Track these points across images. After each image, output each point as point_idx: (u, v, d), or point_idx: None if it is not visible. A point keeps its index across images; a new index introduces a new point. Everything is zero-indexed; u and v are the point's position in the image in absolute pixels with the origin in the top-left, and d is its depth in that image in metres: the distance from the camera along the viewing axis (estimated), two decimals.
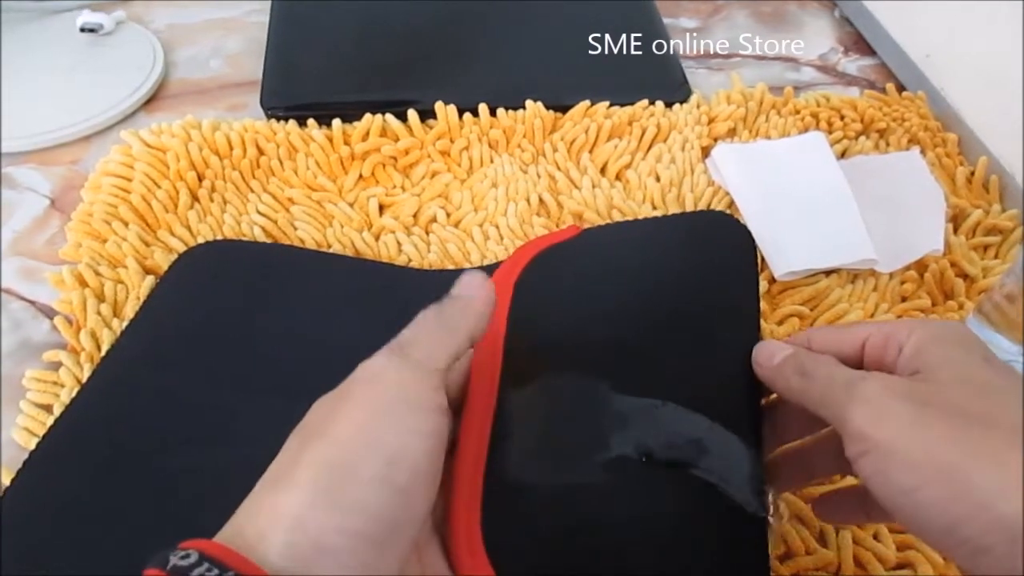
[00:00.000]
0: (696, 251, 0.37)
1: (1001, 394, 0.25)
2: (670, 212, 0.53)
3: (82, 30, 0.66)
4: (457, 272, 0.49)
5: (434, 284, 0.46)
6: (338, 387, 0.25)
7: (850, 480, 0.36)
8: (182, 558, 0.21)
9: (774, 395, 0.34)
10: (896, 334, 0.29)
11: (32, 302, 0.48)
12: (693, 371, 0.33)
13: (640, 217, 0.52)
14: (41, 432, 0.40)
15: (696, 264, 0.37)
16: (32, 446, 0.39)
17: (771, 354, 0.31)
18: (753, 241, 0.38)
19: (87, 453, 0.39)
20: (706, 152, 0.58)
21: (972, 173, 0.57)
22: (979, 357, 0.27)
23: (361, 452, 0.23)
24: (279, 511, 0.22)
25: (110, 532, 0.36)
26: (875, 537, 0.38)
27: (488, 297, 0.29)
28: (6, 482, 0.38)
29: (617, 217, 0.52)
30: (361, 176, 0.55)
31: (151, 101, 0.63)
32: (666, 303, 0.35)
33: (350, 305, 0.46)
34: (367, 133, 0.57)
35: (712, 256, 0.37)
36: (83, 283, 0.47)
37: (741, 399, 0.32)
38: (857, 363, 0.30)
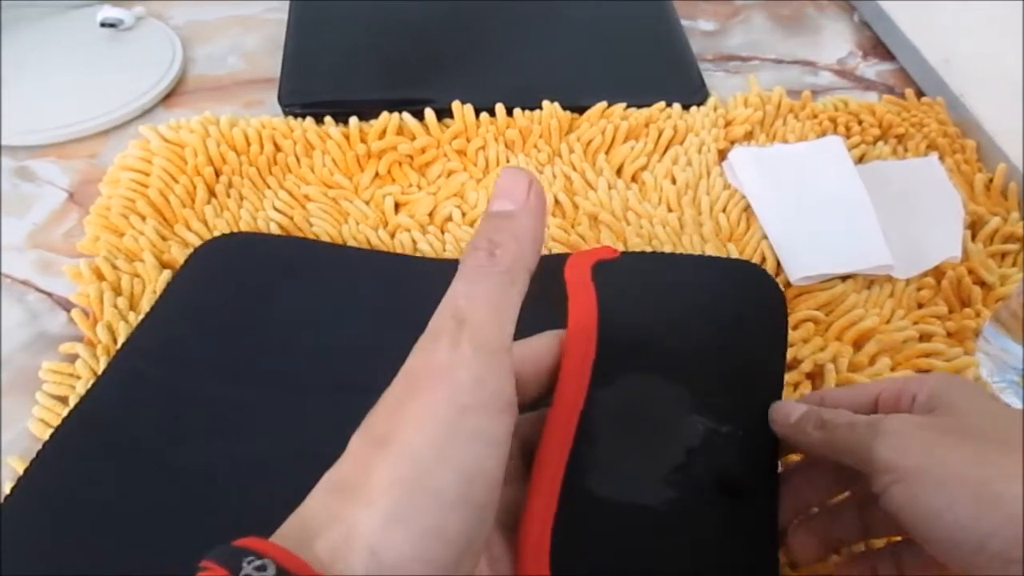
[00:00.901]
0: (733, 302, 0.38)
1: (1011, 421, 0.27)
2: (685, 215, 0.53)
3: (102, 25, 0.66)
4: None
5: (453, 274, 0.45)
6: (401, 377, 0.23)
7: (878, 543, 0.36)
8: (257, 568, 0.19)
9: (790, 458, 0.35)
10: (909, 386, 0.31)
11: (49, 294, 0.49)
12: (734, 410, 0.33)
13: (656, 219, 0.52)
14: (56, 423, 0.40)
15: (731, 315, 0.37)
16: (47, 437, 0.39)
17: (787, 413, 0.32)
18: (785, 300, 0.38)
19: (100, 446, 0.39)
20: (723, 155, 0.57)
21: (990, 180, 0.57)
22: (986, 395, 0.30)
23: (438, 469, 0.21)
24: (354, 531, 0.20)
25: (122, 525, 0.36)
26: None
27: (538, 201, 0.25)
28: (20, 471, 0.38)
29: (632, 219, 0.52)
30: (377, 174, 0.55)
31: (169, 97, 0.63)
32: (700, 347, 0.35)
33: (368, 298, 0.46)
34: (384, 131, 0.57)
35: (747, 310, 0.38)
36: (100, 276, 0.47)
37: (761, 455, 0.33)
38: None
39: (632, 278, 0.37)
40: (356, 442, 0.22)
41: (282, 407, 0.40)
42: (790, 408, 0.32)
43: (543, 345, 0.29)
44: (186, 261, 0.47)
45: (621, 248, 0.50)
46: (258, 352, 0.43)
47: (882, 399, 0.31)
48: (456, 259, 0.48)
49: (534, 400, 0.29)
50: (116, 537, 0.36)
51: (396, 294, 0.45)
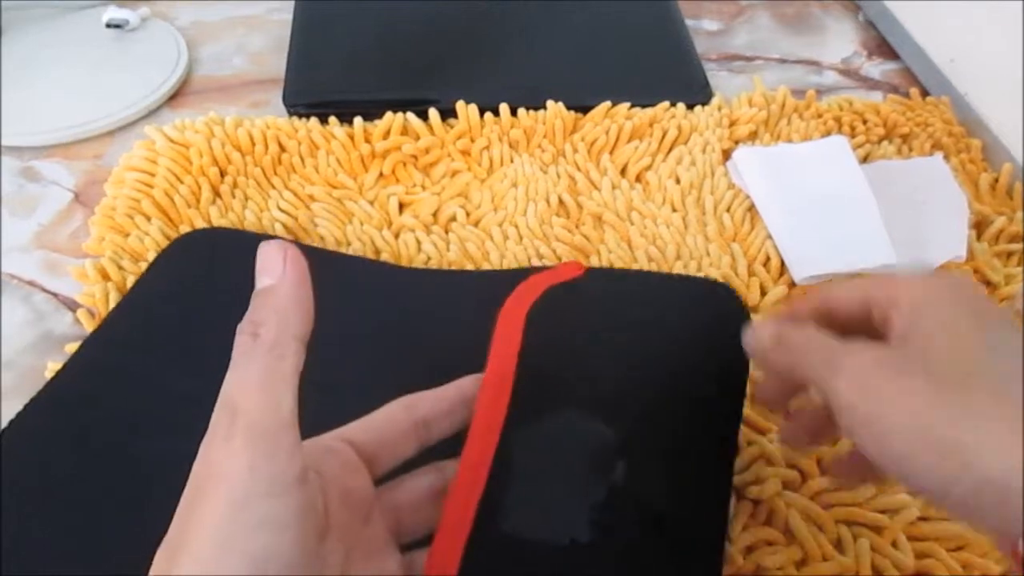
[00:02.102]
0: (690, 323, 0.39)
1: (988, 353, 0.26)
2: (689, 215, 0.53)
3: (108, 26, 0.66)
4: (443, 275, 0.48)
5: (423, 283, 0.45)
6: (190, 482, 0.23)
7: None
8: None
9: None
10: (889, 309, 0.29)
11: (55, 294, 0.49)
12: (674, 438, 0.33)
13: (660, 219, 0.52)
14: None
15: (687, 336, 0.38)
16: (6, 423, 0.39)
17: (760, 336, 0.32)
18: (748, 314, 0.39)
19: (58, 432, 0.39)
20: (727, 155, 0.57)
21: (996, 180, 0.56)
22: (970, 315, 0.27)
23: (223, 570, 0.21)
24: None
25: (78, 513, 0.36)
26: (894, 544, 0.38)
27: (295, 269, 0.25)
28: None
29: (636, 219, 0.52)
30: (381, 174, 0.55)
31: (175, 97, 0.63)
32: (659, 369, 0.35)
33: (336, 302, 0.46)
34: (388, 131, 0.57)
35: (706, 329, 0.39)
36: (105, 276, 0.48)
37: (714, 476, 0.33)
38: (854, 321, 0.30)
39: (584, 302, 0.38)
40: (158, 555, 0.23)
41: None
42: (756, 331, 0.32)
43: (389, 414, 0.30)
44: (161, 253, 0.47)
45: (625, 248, 0.50)
46: (227, 348, 0.43)
47: (860, 318, 0.30)
48: (426, 268, 0.48)
49: (394, 469, 0.30)
50: (71, 526, 0.36)
51: (367, 299, 0.45)
